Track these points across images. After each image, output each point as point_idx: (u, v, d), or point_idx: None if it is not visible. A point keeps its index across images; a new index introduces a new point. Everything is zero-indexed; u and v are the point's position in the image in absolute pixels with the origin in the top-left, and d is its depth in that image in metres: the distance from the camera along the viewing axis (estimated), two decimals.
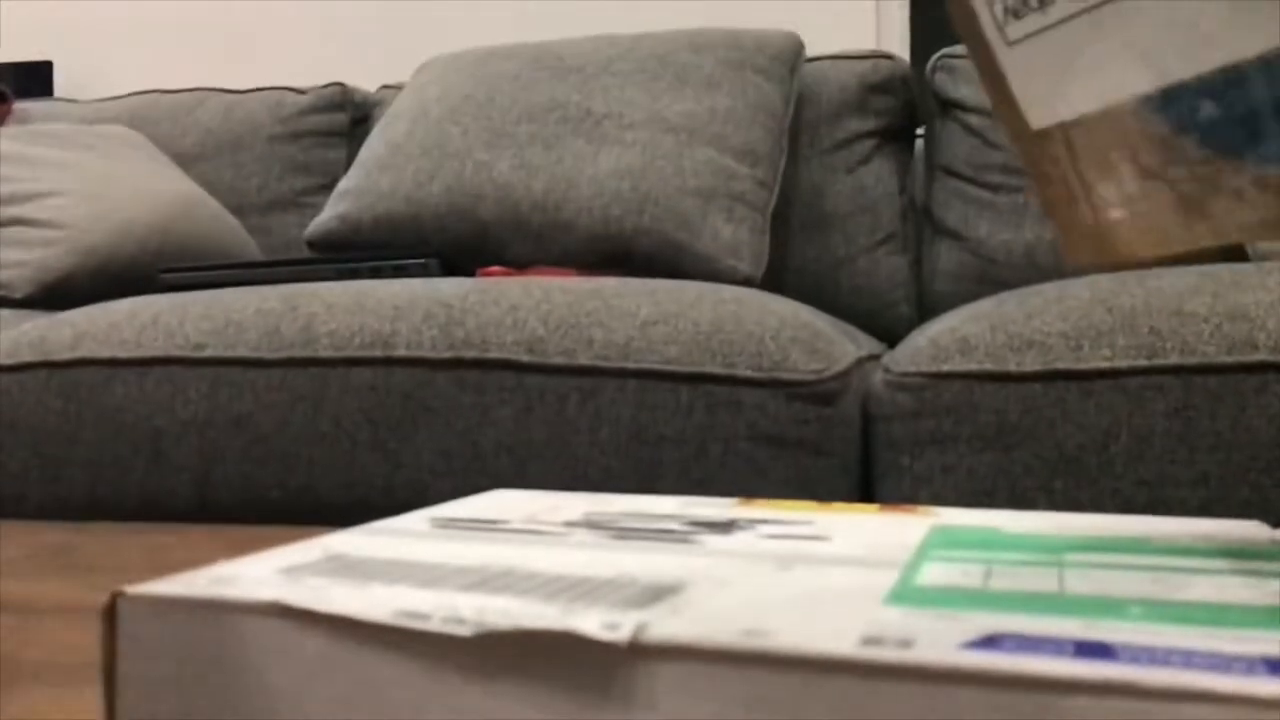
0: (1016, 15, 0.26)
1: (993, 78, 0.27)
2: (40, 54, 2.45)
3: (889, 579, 0.21)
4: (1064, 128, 0.26)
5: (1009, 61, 0.27)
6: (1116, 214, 0.25)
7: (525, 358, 0.93)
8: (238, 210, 1.80)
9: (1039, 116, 0.26)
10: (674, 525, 0.28)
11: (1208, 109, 0.23)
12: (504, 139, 1.50)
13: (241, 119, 1.87)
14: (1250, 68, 0.22)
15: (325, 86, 1.91)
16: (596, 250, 1.43)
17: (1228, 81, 0.22)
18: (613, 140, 1.48)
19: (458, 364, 0.93)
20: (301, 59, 2.31)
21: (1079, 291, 0.91)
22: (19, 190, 1.54)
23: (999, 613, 0.19)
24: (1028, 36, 0.26)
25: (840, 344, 0.94)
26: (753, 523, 0.28)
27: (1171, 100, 0.23)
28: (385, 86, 1.95)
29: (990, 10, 0.27)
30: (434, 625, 0.18)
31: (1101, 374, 0.84)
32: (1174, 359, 0.82)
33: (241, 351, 0.97)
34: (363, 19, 2.29)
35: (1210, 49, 0.22)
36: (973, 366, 0.87)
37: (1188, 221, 0.24)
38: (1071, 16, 0.25)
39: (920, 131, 1.71)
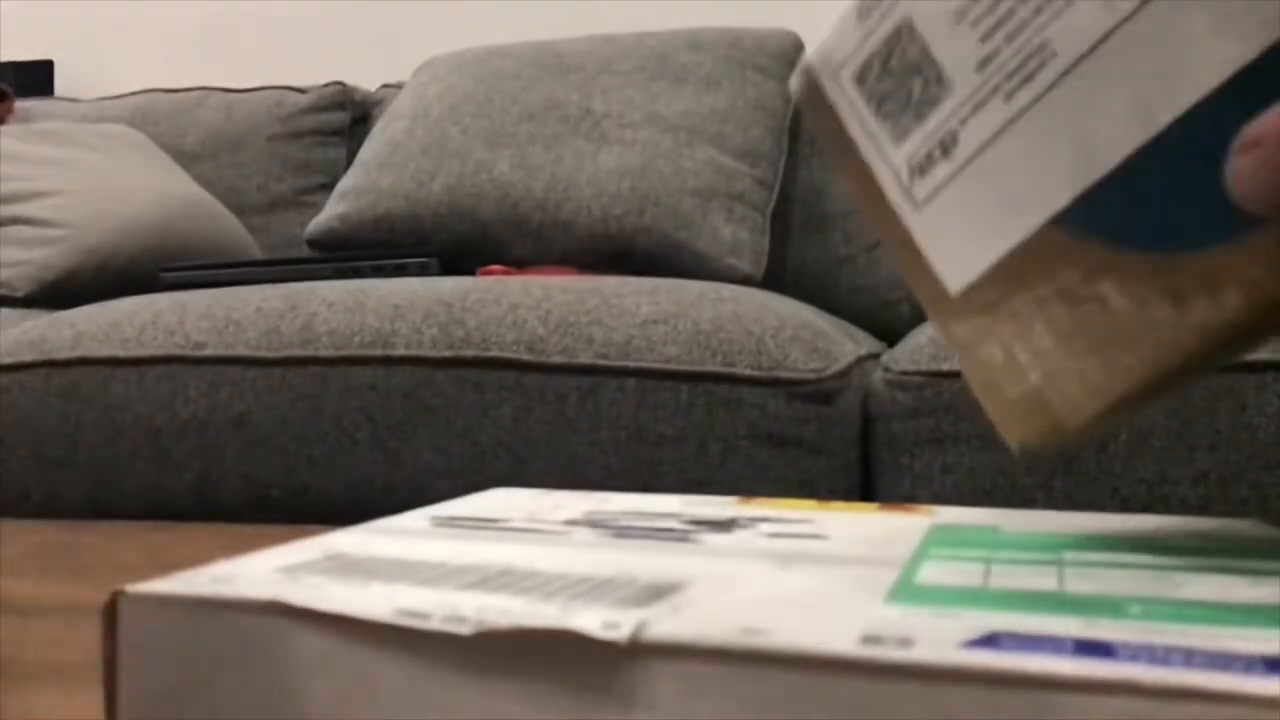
0: (923, 171, 0.26)
1: (905, 250, 0.27)
2: (41, 53, 2.45)
3: (889, 578, 0.21)
4: (980, 287, 0.25)
5: (920, 226, 0.26)
6: (1036, 376, 0.24)
7: (525, 357, 0.93)
8: (238, 209, 1.80)
9: (956, 278, 0.26)
10: (674, 524, 0.28)
11: (1112, 207, 0.23)
12: (504, 138, 1.50)
13: (242, 118, 1.87)
14: (1140, 158, 0.22)
15: (325, 86, 1.91)
16: (596, 249, 1.43)
17: (1125, 176, 0.23)
18: (613, 139, 1.48)
19: (458, 363, 0.93)
20: (302, 58, 2.31)
21: None
22: (19, 189, 1.54)
23: (999, 611, 0.19)
24: (936, 191, 0.26)
25: (840, 343, 0.94)
26: (753, 521, 0.28)
27: (1078, 211, 0.23)
28: (385, 86, 1.95)
29: (896, 177, 0.27)
30: (434, 624, 0.18)
31: None
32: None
33: (241, 350, 0.97)
34: (363, 18, 2.29)
35: (1112, 147, 0.23)
36: None
37: (1109, 360, 0.23)
38: (978, 152, 0.25)
39: None
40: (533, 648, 0.18)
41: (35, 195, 1.54)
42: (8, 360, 1.02)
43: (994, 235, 0.25)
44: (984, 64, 0.25)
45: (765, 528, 0.27)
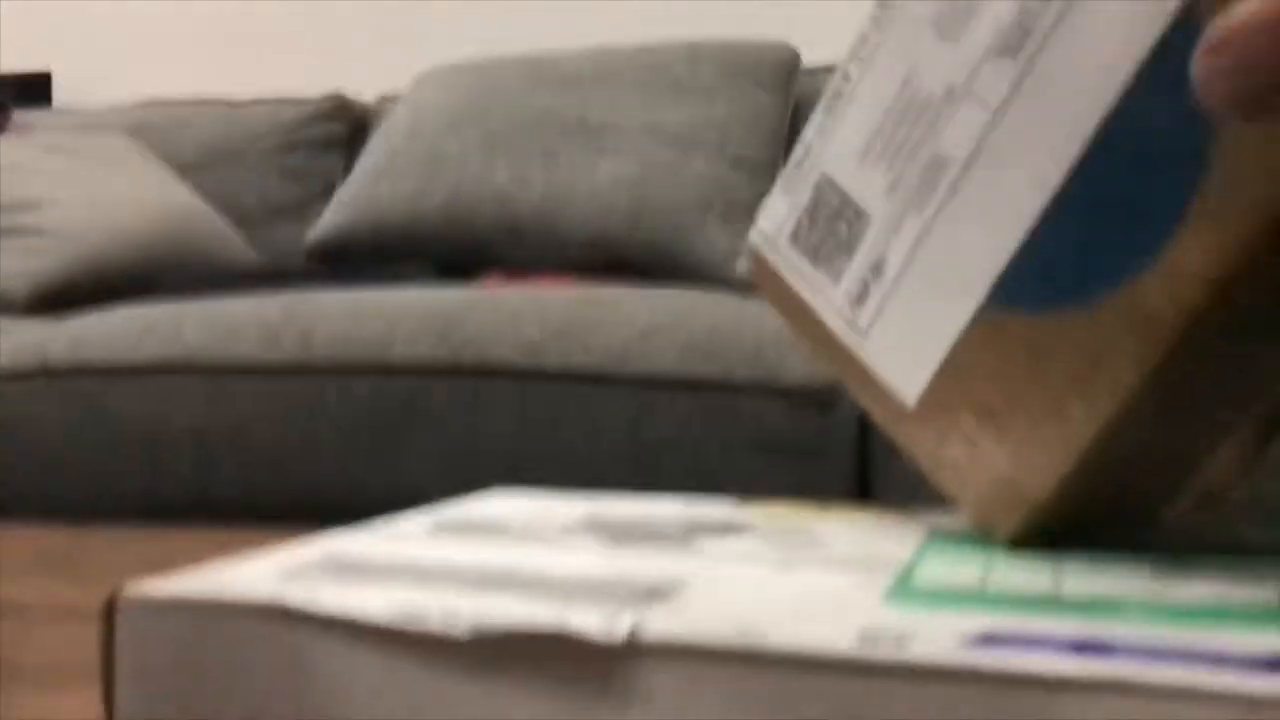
0: (861, 300, 0.28)
1: (865, 385, 0.28)
2: (39, 64, 2.45)
3: (886, 579, 0.21)
4: (935, 390, 0.26)
5: (869, 352, 0.28)
6: (1003, 458, 0.25)
7: (523, 364, 0.93)
8: (236, 219, 1.80)
9: (910, 390, 0.27)
10: (672, 528, 0.28)
11: (1029, 277, 0.25)
12: (501, 149, 1.51)
13: (240, 129, 1.87)
14: (1042, 223, 0.24)
15: (324, 96, 1.91)
16: (594, 259, 1.43)
17: (1032, 243, 0.24)
18: (610, 150, 1.48)
19: (456, 371, 0.93)
20: (300, 69, 2.31)
21: None
22: (18, 199, 1.54)
23: (997, 612, 0.19)
24: (877, 314, 0.27)
25: None
26: (750, 524, 0.28)
27: (1001, 290, 0.25)
28: (384, 97, 1.96)
29: (840, 314, 0.28)
30: (432, 625, 0.18)
31: None
32: None
33: (240, 358, 0.97)
34: (361, 29, 2.30)
35: (1016, 221, 0.25)
36: None
37: (1061, 416, 0.24)
38: (904, 267, 0.27)
39: None
40: (530, 649, 0.18)
41: (34, 205, 1.54)
42: (6, 368, 1.02)
43: (933, 338, 0.26)
44: (892, 189, 0.27)
45: (763, 530, 0.27)
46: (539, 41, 2.14)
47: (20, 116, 1.92)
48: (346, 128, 1.89)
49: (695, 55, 1.59)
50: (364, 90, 2.10)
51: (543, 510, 0.31)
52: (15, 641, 0.35)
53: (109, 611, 0.20)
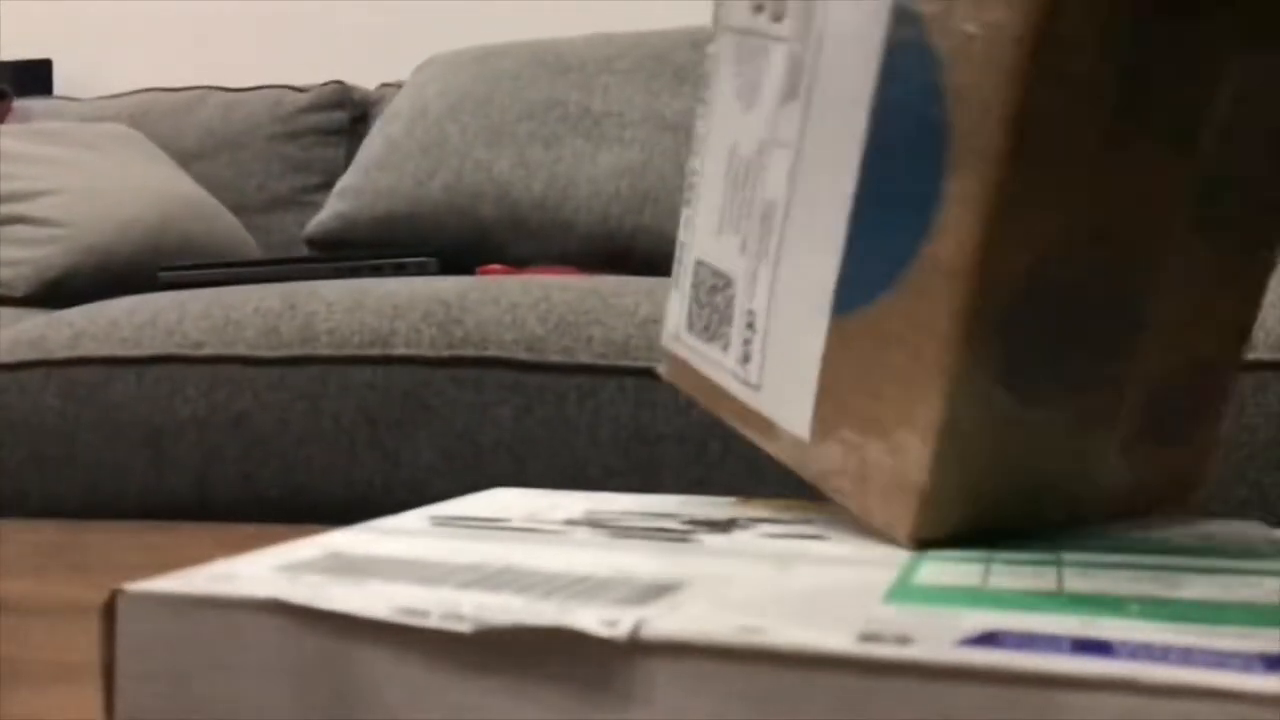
0: (747, 358, 0.30)
1: (769, 436, 0.29)
2: (40, 53, 2.45)
3: (887, 577, 0.21)
4: (817, 416, 0.27)
5: (763, 403, 0.29)
6: (887, 455, 0.26)
7: (524, 356, 0.93)
8: (237, 209, 1.80)
9: (802, 423, 0.28)
10: (673, 524, 0.28)
11: (855, 282, 0.27)
12: (503, 138, 1.50)
13: (241, 117, 1.87)
14: (850, 233, 0.27)
15: (325, 85, 1.91)
16: (596, 249, 1.43)
17: (851, 251, 0.27)
18: (612, 139, 1.48)
19: (457, 362, 0.93)
20: (301, 57, 2.31)
21: None
22: (18, 188, 1.54)
23: (997, 610, 0.19)
24: (761, 365, 0.29)
25: None
26: (752, 521, 0.28)
27: (840, 300, 0.27)
28: (385, 85, 1.95)
29: (735, 377, 0.30)
30: (433, 622, 0.18)
31: None
32: None
33: (240, 350, 0.97)
34: (362, 17, 2.29)
35: (835, 230, 0.27)
36: None
37: (911, 398, 0.25)
38: (768, 310, 0.29)
39: None
40: (531, 646, 0.18)
41: (34, 194, 1.54)
42: (7, 359, 1.02)
43: (803, 367, 0.28)
44: (743, 248, 0.30)
45: (764, 528, 0.27)
46: (541, 30, 2.14)
47: (20, 105, 1.91)
48: (347, 116, 1.89)
49: (697, 43, 1.58)
50: (365, 79, 2.09)
51: (544, 507, 0.31)
52: (15, 638, 0.35)
53: (109, 608, 0.20)
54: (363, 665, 0.19)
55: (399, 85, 1.92)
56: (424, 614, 0.18)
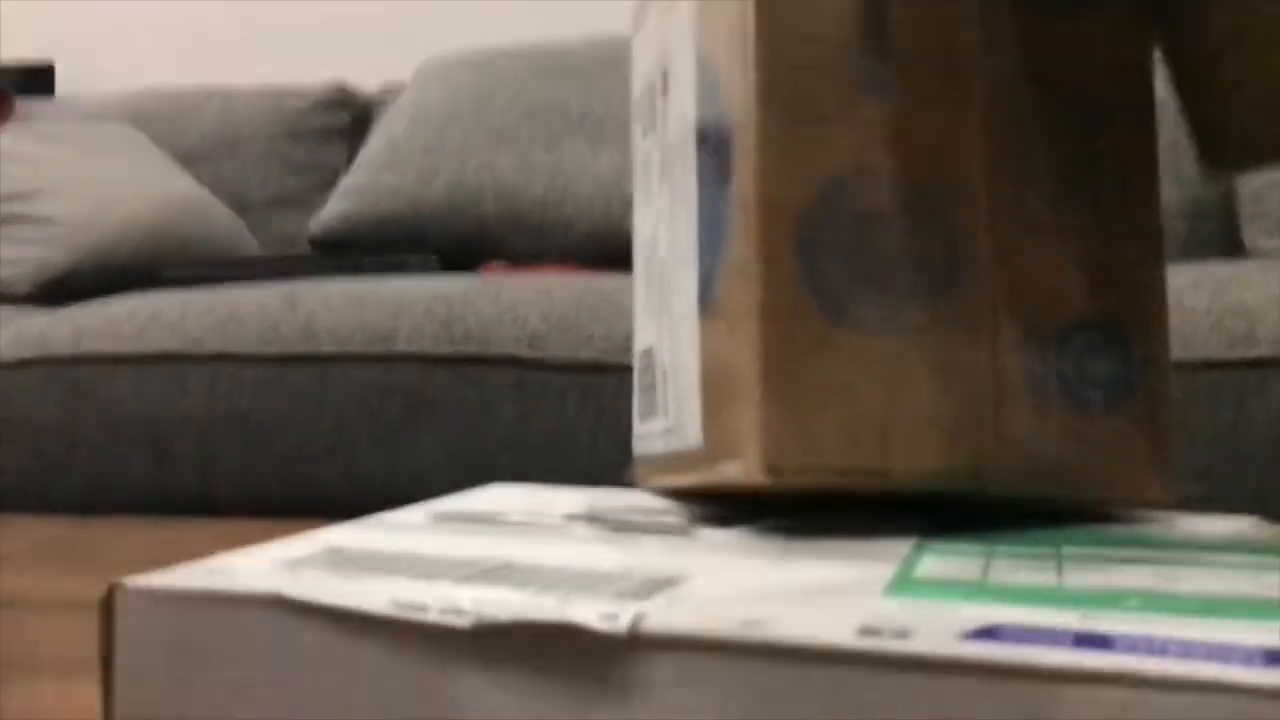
0: (666, 409, 0.32)
1: (700, 471, 0.30)
2: (41, 53, 2.45)
3: (887, 571, 0.21)
4: (704, 418, 0.29)
5: (682, 440, 0.30)
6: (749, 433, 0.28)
7: (526, 354, 0.93)
8: (239, 209, 1.80)
9: (693, 434, 0.29)
10: (672, 519, 0.28)
11: (702, 288, 0.30)
12: (504, 138, 1.50)
13: (243, 118, 1.87)
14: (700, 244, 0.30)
15: (326, 86, 1.91)
16: (596, 249, 1.42)
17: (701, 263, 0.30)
18: (612, 140, 1.48)
19: (458, 360, 0.93)
20: (302, 58, 2.31)
21: None
22: (20, 188, 1.54)
23: (997, 604, 0.19)
24: (672, 404, 0.31)
25: None
26: (751, 516, 0.28)
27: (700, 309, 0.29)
28: (386, 87, 1.95)
29: (665, 438, 0.32)
30: (432, 616, 0.18)
31: None
32: (1175, 354, 0.82)
33: (242, 348, 0.97)
34: (363, 18, 2.29)
35: (690, 259, 0.31)
36: None
37: (748, 337, 0.28)
38: (672, 364, 0.31)
39: None
40: (531, 640, 0.18)
41: (36, 194, 1.54)
42: (9, 357, 1.02)
43: (690, 383, 0.30)
44: (657, 314, 0.32)
45: (764, 522, 0.27)
46: (541, 31, 2.14)
47: (22, 106, 1.92)
48: (349, 117, 1.89)
49: None
50: (366, 80, 2.09)
51: (543, 502, 0.31)
52: (15, 633, 0.35)
53: (108, 603, 0.20)
54: (362, 659, 0.19)
55: (400, 86, 1.92)
56: (423, 608, 0.18)
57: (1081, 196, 0.29)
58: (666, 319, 0.31)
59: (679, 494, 0.33)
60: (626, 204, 1.41)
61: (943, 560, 0.23)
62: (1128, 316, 0.29)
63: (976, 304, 0.28)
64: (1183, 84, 0.31)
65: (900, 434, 0.27)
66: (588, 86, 1.54)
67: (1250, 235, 1.30)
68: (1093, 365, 0.29)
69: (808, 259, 0.26)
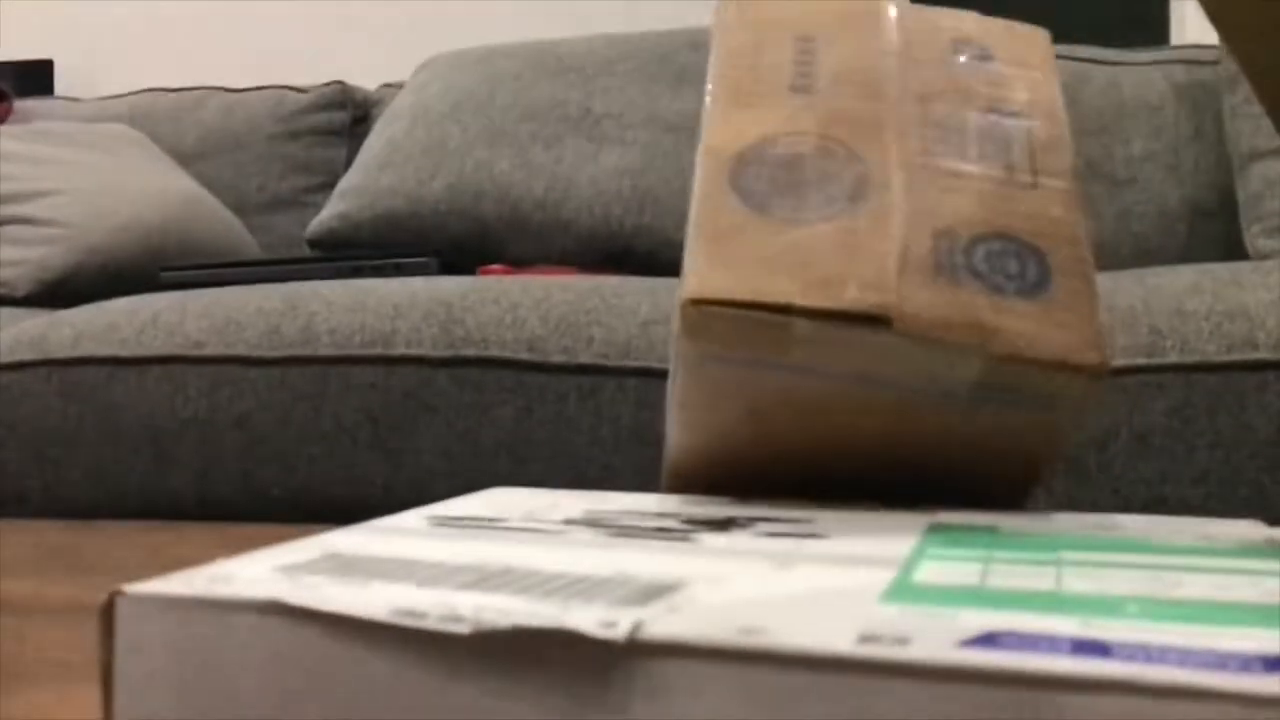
0: None
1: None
2: (40, 53, 2.45)
3: (886, 577, 0.21)
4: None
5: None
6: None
7: (525, 356, 0.93)
8: (238, 209, 1.80)
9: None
10: (672, 523, 0.28)
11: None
12: (504, 138, 1.50)
13: (242, 118, 1.87)
14: None
15: (326, 85, 1.91)
16: (596, 249, 1.43)
17: None
18: (613, 139, 1.48)
19: (458, 363, 0.93)
20: (302, 58, 2.31)
21: None
22: (19, 189, 1.54)
23: (996, 610, 0.19)
24: None
25: None
26: (750, 521, 0.28)
27: None
28: (386, 85, 1.95)
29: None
30: (431, 623, 0.18)
31: None
32: (1173, 357, 0.82)
33: (242, 350, 0.97)
34: (363, 18, 2.29)
35: None
36: None
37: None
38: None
39: None
40: (530, 647, 0.18)
41: (35, 195, 1.54)
42: (8, 359, 1.02)
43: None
44: None
45: (763, 527, 0.27)
46: (541, 30, 2.14)
47: (22, 106, 1.92)
48: (348, 117, 1.89)
49: (697, 43, 1.58)
50: (366, 79, 2.09)
51: (542, 507, 0.31)
52: (15, 639, 0.35)
53: (108, 609, 0.20)
54: (361, 667, 0.19)
55: (400, 85, 1.92)
56: (422, 615, 0.18)
57: (992, 162, 0.34)
58: None
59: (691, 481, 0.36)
60: (626, 204, 1.41)
61: (942, 566, 0.23)
62: (1041, 240, 0.32)
63: (886, 212, 0.32)
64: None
65: (811, 282, 0.30)
66: (588, 86, 1.54)
67: (1250, 237, 1.30)
68: (1003, 263, 0.31)
69: (739, 182, 0.33)
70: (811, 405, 0.31)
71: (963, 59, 0.37)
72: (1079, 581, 0.21)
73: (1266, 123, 1.30)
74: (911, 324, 0.29)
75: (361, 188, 1.53)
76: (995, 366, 0.29)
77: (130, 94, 1.99)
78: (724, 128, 0.35)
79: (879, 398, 0.30)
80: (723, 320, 0.30)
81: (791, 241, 0.31)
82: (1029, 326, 0.29)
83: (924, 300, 0.29)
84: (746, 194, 0.33)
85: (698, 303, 0.30)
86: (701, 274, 0.30)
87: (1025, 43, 0.38)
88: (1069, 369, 0.29)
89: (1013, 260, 0.31)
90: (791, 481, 0.33)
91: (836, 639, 0.17)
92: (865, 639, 0.17)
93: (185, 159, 1.84)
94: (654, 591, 0.20)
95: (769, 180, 0.33)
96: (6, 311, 1.29)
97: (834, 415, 0.31)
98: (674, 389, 0.34)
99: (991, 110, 0.35)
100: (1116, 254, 1.40)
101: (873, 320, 0.29)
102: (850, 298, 0.29)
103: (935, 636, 0.17)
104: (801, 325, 0.29)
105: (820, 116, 0.34)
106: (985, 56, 0.37)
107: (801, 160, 0.33)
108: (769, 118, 0.35)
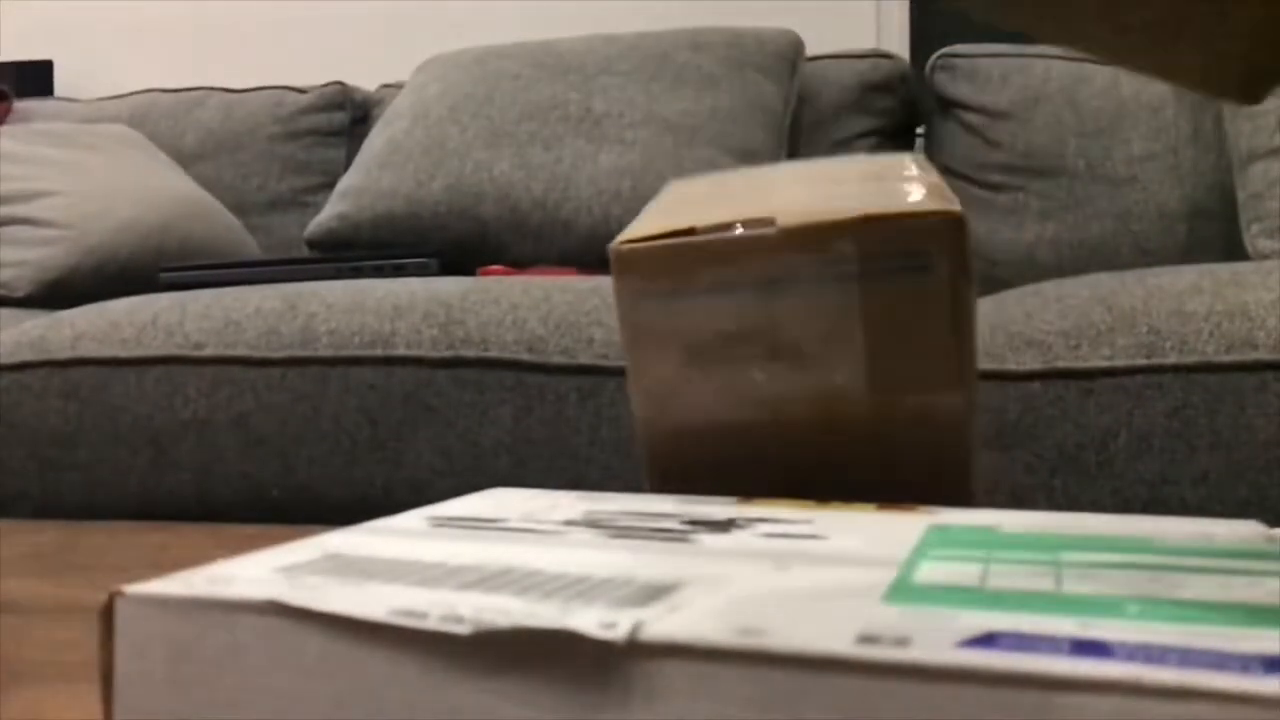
0: None
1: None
2: (40, 53, 2.45)
3: (886, 577, 0.21)
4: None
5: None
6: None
7: (525, 357, 0.93)
8: (238, 209, 1.80)
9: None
10: (672, 524, 0.28)
11: None
12: (504, 138, 1.50)
13: (241, 118, 1.87)
14: None
15: (325, 85, 1.91)
16: (596, 249, 1.43)
17: None
18: (612, 139, 1.48)
19: (457, 363, 0.93)
20: (301, 58, 2.31)
21: (1078, 291, 0.90)
22: (19, 189, 1.54)
23: (996, 611, 0.19)
24: None
25: None
26: (750, 521, 0.28)
27: None
28: (385, 85, 1.95)
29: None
30: (431, 624, 0.18)
31: (1101, 373, 0.84)
32: (1173, 358, 0.82)
33: (241, 351, 0.97)
34: (363, 18, 2.29)
35: None
36: None
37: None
38: None
39: (920, 130, 1.71)
40: (530, 648, 0.18)
41: (35, 195, 1.54)
42: (8, 360, 1.02)
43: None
44: None
45: (763, 528, 0.27)
46: (541, 30, 2.14)
47: (20, 106, 1.92)
48: (348, 117, 1.89)
49: (698, 43, 1.58)
50: (365, 79, 2.09)
51: (542, 507, 0.31)
52: (14, 639, 0.35)
53: (108, 610, 0.20)
54: (361, 667, 0.19)
55: (399, 86, 1.92)
56: (422, 615, 0.18)
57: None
58: None
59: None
60: (626, 204, 1.41)
61: (942, 566, 0.23)
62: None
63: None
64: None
65: (711, 215, 0.35)
66: (588, 86, 1.54)
67: (1250, 237, 1.30)
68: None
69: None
70: (733, 336, 0.34)
71: None
72: (1079, 582, 0.21)
73: (1266, 123, 1.30)
74: (793, 217, 0.34)
75: (361, 188, 1.53)
76: (869, 229, 0.33)
77: (130, 94, 1.99)
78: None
79: (783, 308, 0.34)
80: (643, 255, 0.34)
81: (707, 194, 0.36)
82: (891, 202, 0.35)
83: (802, 205, 0.35)
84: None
85: (624, 243, 0.34)
86: (634, 228, 0.35)
87: None
88: (933, 216, 0.33)
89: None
90: (742, 458, 0.36)
91: (836, 640, 0.17)
92: (865, 639, 0.17)
93: (185, 159, 1.84)
94: (654, 592, 0.20)
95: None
96: (6, 312, 1.29)
97: (752, 345, 0.35)
98: (624, 348, 0.37)
99: None
100: (1116, 254, 1.40)
101: (760, 222, 0.34)
102: (738, 214, 0.34)
103: (935, 637, 0.17)
104: (701, 241, 0.34)
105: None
106: None
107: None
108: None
